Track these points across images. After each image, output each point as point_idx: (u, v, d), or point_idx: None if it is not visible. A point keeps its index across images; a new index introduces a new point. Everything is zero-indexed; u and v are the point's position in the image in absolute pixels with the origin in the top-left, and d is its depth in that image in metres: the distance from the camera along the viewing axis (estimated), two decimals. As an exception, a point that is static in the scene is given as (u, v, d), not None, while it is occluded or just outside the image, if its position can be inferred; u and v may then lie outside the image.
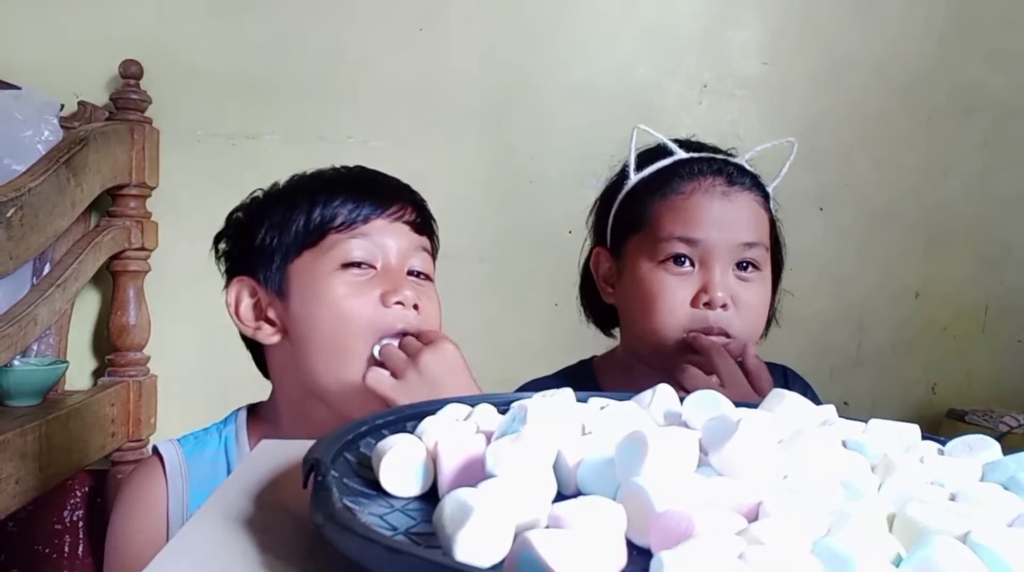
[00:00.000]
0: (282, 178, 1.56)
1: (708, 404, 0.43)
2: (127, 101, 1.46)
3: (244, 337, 0.84)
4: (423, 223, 0.83)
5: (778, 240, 0.89)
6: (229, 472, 0.78)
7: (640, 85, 1.63)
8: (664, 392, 0.46)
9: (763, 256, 0.81)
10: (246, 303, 0.80)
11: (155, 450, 0.81)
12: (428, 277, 0.82)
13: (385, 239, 0.78)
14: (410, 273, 0.79)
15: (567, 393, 0.46)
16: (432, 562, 0.25)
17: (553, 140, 1.62)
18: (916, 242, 1.71)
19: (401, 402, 0.69)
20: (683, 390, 0.76)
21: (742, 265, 0.80)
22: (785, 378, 0.92)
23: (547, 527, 0.29)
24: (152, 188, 1.51)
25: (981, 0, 1.71)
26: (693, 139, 0.87)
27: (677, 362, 0.77)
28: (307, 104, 1.57)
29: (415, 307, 0.76)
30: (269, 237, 0.79)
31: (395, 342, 0.75)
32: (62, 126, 1.41)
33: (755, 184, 0.83)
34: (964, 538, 0.28)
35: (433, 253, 0.86)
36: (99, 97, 1.51)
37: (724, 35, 1.66)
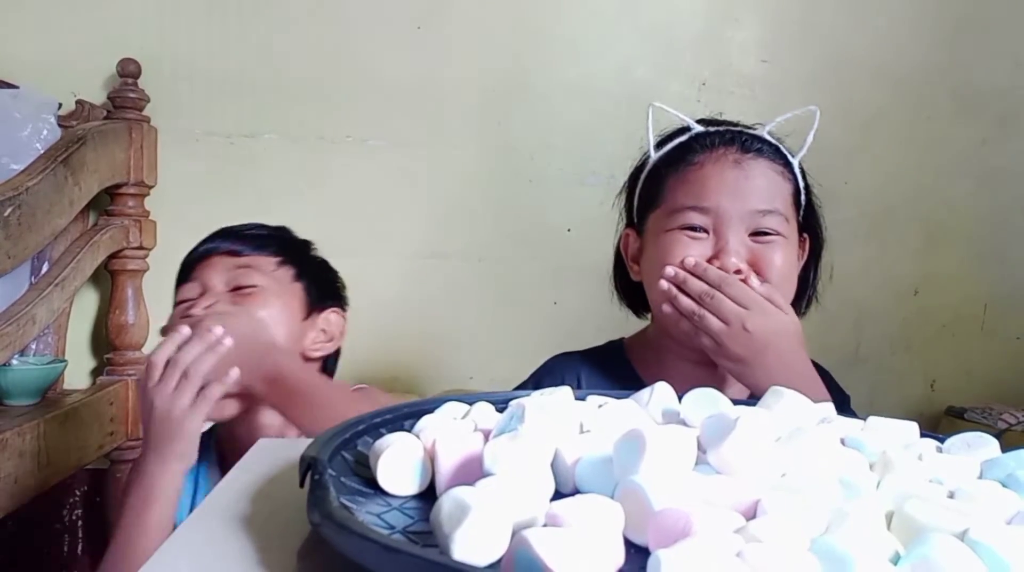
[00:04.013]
0: (280, 177, 1.57)
1: (706, 402, 0.43)
2: (125, 100, 1.46)
3: None
4: (242, 246, 0.95)
5: (813, 209, 0.86)
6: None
7: (639, 84, 1.62)
8: (662, 390, 0.46)
9: (782, 224, 0.78)
10: None
11: None
12: (253, 286, 0.91)
13: (202, 272, 0.92)
14: (237, 289, 0.90)
15: (565, 392, 0.46)
16: (429, 561, 0.25)
17: (553, 139, 1.61)
18: (915, 241, 1.71)
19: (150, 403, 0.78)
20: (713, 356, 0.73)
21: (761, 234, 0.78)
22: (828, 376, 0.89)
23: (545, 526, 0.29)
24: (150, 187, 1.51)
25: (981, 0, 1.71)
26: (717, 117, 0.87)
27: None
28: (306, 103, 1.57)
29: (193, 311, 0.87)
30: None
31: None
32: (60, 125, 1.41)
33: (774, 152, 0.81)
34: (962, 536, 0.28)
35: (284, 265, 0.96)
36: (97, 96, 1.51)
37: (723, 33, 1.66)
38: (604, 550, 0.27)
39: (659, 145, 0.84)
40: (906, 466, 0.36)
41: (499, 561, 0.27)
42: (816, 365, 0.81)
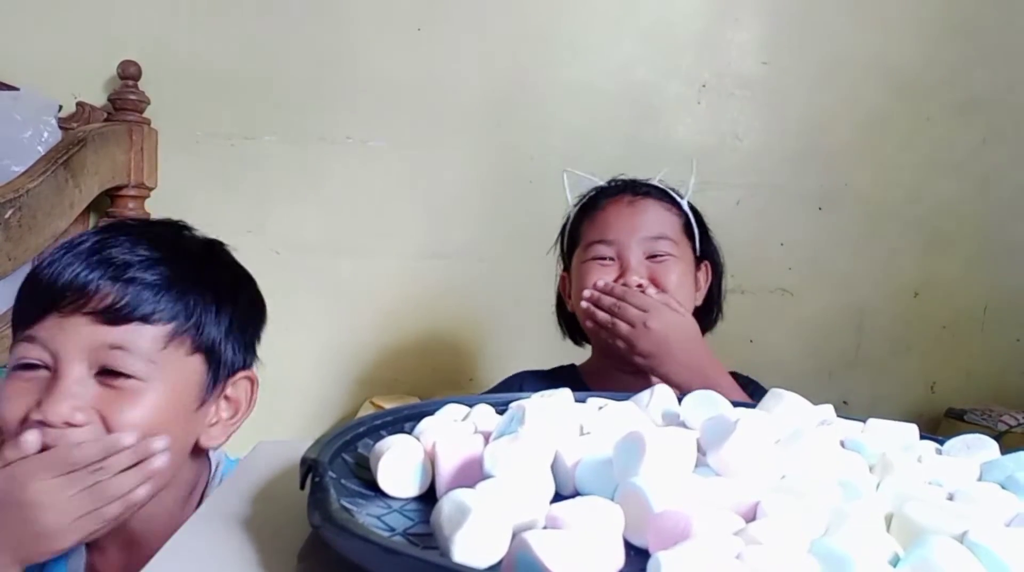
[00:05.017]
0: (281, 178, 1.57)
1: (706, 404, 0.43)
2: (126, 102, 1.46)
3: None
4: (130, 308, 0.65)
5: (709, 239, 1.03)
6: None
7: (639, 85, 1.62)
8: (662, 392, 0.46)
9: (673, 247, 0.96)
10: None
11: None
12: (127, 377, 0.64)
13: (55, 335, 0.64)
14: (106, 373, 0.64)
15: (565, 393, 0.46)
16: (430, 563, 0.25)
17: (553, 140, 1.61)
18: (915, 242, 1.71)
19: None
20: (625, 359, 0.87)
21: (656, 256, 0.94)
22: (755, 384, 1.00)
23: (545, 528, 0.29)
24: (151, 189, 1.51)
25: (981, 1, 1.71)
26: (621, 177, 1.05)
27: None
28: (306, 104, 1.57)
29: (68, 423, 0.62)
30: None
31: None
32: (60, 127, 1.41)
33: (662, 194, 1.00)
34: (962, 538, 0.28)
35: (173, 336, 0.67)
36: (97, 98, 1.51)
37: (723, 35, 1.66)
38: (604, 552, 0.27)
39: (577, 203, 1.05)
40: (906, 468, 0.36)
41: (499, 563, 0.27)
42: (739, 375, 0.96)
